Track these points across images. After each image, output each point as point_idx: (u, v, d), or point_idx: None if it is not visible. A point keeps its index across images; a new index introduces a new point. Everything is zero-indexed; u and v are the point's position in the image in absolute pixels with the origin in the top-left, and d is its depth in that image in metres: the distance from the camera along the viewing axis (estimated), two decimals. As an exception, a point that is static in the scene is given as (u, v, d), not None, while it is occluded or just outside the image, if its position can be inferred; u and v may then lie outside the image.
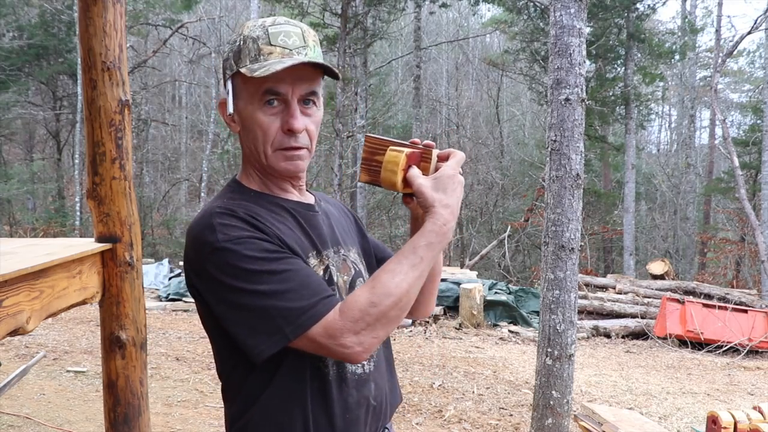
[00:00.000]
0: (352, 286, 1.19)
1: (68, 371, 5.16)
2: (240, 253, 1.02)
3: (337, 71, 1.12)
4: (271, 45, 1.10)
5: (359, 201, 15.23)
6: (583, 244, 14.62)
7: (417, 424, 4.50)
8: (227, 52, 1.15)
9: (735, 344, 8.31)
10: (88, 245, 2.31)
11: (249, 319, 1.02)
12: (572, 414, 3.82)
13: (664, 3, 15.17)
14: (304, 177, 1.25)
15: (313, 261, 1.13)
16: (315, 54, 1.13)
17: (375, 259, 1.34)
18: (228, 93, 1.13)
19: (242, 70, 1.09)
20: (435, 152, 1.11)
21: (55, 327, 6.82)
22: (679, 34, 17.13)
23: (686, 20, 17.40)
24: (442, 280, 8.62)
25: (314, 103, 1.14)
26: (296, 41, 1.11)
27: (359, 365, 1.15)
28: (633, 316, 9.36)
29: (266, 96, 1.10)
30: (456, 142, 21.12)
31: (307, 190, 1.27)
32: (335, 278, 1.15)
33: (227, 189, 1.19)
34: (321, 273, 1.13)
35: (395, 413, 4.12)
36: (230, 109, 1.13)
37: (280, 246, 1.06)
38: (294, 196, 1.21)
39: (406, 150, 1.10)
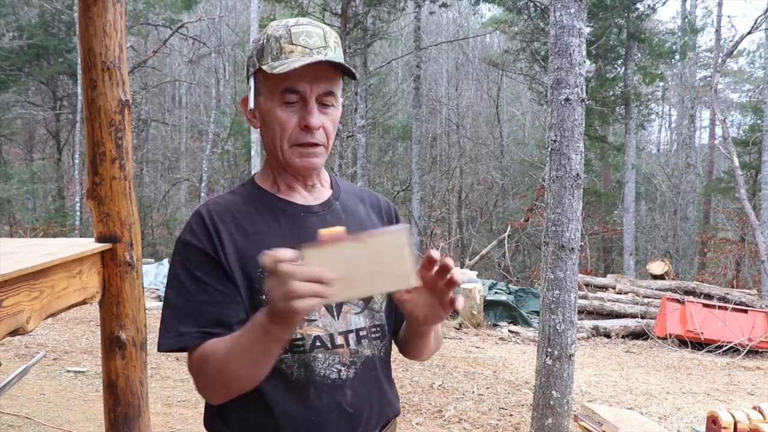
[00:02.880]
0: None
1: (68, 371, 5.16)
2: (180, 255, 1.14)
3: (354, 71, 1.15)
4: (293, 44, 1.13)
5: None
6: (583, 244, 14.63)
7: (417, 424, 4.50)
8: (251, 50, 1.18)
9: (735, 344, 8.31)
10: (88, 245, 2.31)
11: (162, 312, 1.14)
12: (572, 414, 3.82)
13: (664, 3, 15.18)
14: (321, 175, 1.26)
15: None
16: (335, 55, 1.15)
17: None
18: (250, 89, 1.17)
19: (263, 67, 1.13)
20: None
21: (55, 327, 6.82)
22: (679, 34, 17.13)
23: (686, 20, 17.40)
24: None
25: (332, 102, 1.16)
26: (317, 41, 1.14)
27: (333, 370, 1.14)
28: (633, 316, 9.36)
29: (285, 93, 1.13)
30: (456, 142, 21.14)
31: (332, 185, 1.28)
32: None
33: (239, 184, 1.26)
34: None
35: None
36: (251, 104, 1.17)
37: (215, 263, 1.10)
38: (299, 197, 1.21)
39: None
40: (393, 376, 1.32)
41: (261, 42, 1.15)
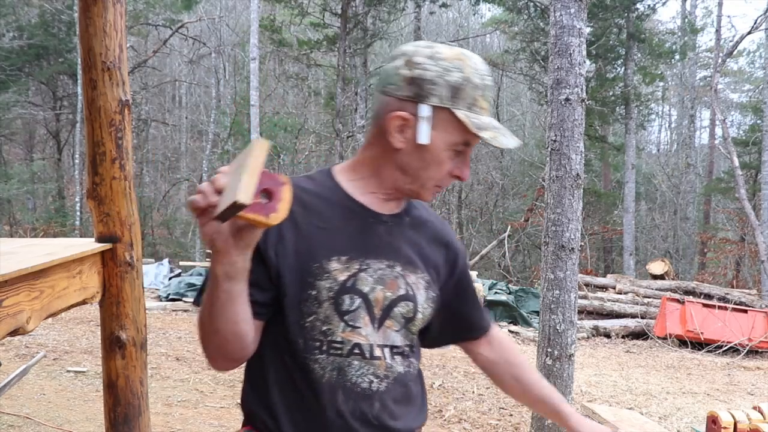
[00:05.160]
0: (391, 305, 1.16)
1: (68, 371, 5.16)
2: None
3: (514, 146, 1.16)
4: (485, 100, 1.13)
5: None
6: (583, 244, 14.62)
7: (417, 424, 4.50)
8: (435, 74, 1.09)
9: (735, 344, 8.31)
10: (88, 245, 2.31)
11: None
12: (572, 414, 3.81)
13: (664, 3, 15.20)
14: None
15: (335, 265, 1.12)
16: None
17: (449, 310, 1.29)
18: (426, 120, 1.10)
19: (459, 114, 1.09)
20: None
21: (55, 327, 6.82)
22: (679, 34, 17.13)
23: (686, 20, 17.40)
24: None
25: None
26: (492, 98, 1.19)
27: (365, 380, 1.14)
28: (633, 316, 9.35)
29: (463, 144, 1.13)
30: (456, 142, 21.08)
31: (411, 206, 1.27)
32: (362, 288, 1.14)
33: (315, 172, 1.24)
34: (343, 278, 1.12)
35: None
36: (425, 138, 1.10)
37: (264, 240, 1.09)
38: (374, 204, 1.20)
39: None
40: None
41: (454, 78, 1.09)
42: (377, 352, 1.15)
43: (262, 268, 1.10)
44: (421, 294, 1.20)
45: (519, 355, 1.40)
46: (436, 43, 1.15)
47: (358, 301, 1.13)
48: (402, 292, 1.17)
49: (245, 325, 1.07)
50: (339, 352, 1.13)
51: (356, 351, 1.13)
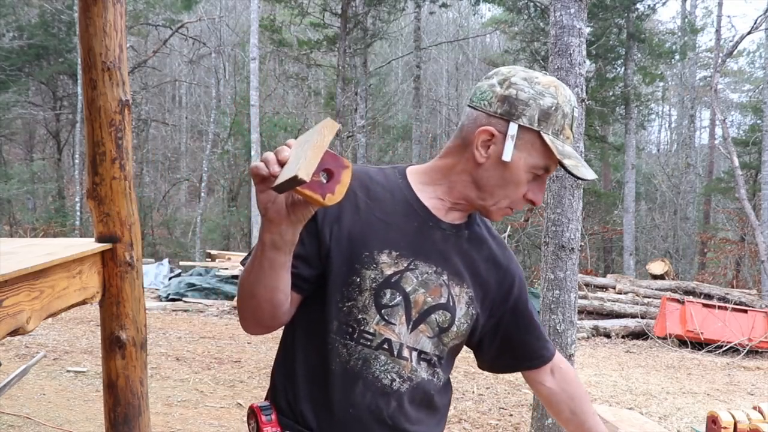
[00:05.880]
0: (429, 311, 1.16)
1: (68, 371, 5.16)
2: None
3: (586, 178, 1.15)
4: (570, 129, 1.15)
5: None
6: (583, 244, 14.62)
7: (417, 424, 4.50)
8: (529, 95, 1.11)
9: (735, 344, 8.31)
10: (88, 245, 2.31)
11: None
12: (572, 414, 3.81)
13: (664, 3, 15.20)
14: None
15: (384, 258, 1.13)
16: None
17: (499, 337, 1.29)
18: (511, 137, 1.11)
19: (546, 138, 1.11)
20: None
21: (55, 327, 6.82)
22: (679, 34, 17.13)
23: (686, 20, 17.40)
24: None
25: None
26: (576, 131, 1.19)
27: (388, 377, 1.15)
28: (633, 316, 9.35)
29: (542, 169, 1.14)
30: (456, 142, 21.08)
31: (470, 216, 1.26)
32: (405, 286, 1.14)
33: (388, 167, 1.26)
34: (389, 272, 1.13)
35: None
36: (508, 156, 1.11)
37: (315, 222, 1.11)
38: (438, 209, 1.20)
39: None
40: None
41: (547, 103, 1.11)
42: (405, 353, 1.15)
43: (315, 245, 1.12)
44: (462, 308, 1.19)
45: (580, 388, 1.39)
46: (533, 70, 1.17)
47: (398, 298, 1.14)
48: (443, 300, 1.17)
49: (281, 295, 1.08)
50: (369, 343, 1.13)
51: (385, 346, 1.14)
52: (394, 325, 1.14)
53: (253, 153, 13.43)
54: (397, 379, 1.15)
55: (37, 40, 16.12)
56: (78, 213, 16.02)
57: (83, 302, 2.24)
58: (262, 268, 1.04)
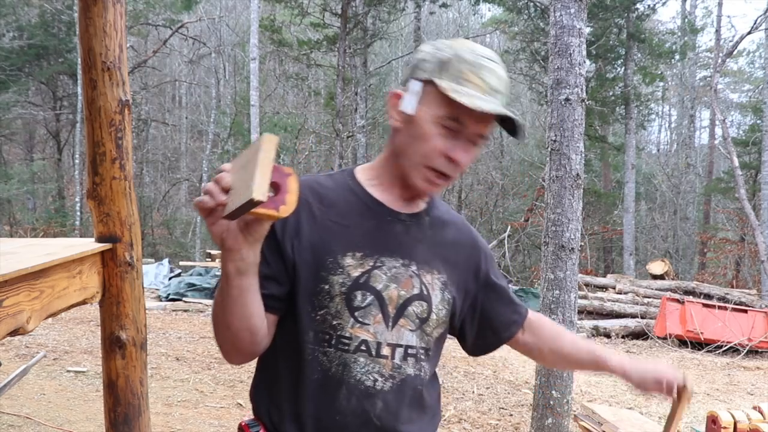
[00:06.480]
0: (405, 304, 1.16)
1: (68, 371, 5.16)
2: None
3: (520, 131, 1.12)
4: (477, 76, 1.10)
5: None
6: (583, 244, 14.62)
7: (417, 424, 4.50)
8: (429, 53, 1.14)
9: (735, 344, 8.31)
10: (88, 245, 2.31)
11: None
12: (572, 414, 3.82)
13: (664, 3, 15.19)
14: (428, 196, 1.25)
15: (349, 260, 1.13)
16: (504, 103, 1.14)
17: (477, 317, 1.30)
18: (414, 93, 1.13)
19: (441, 84, 1.10)
20: None
21: (55, 327, 6.82)
22: (679, 34, 17.13)
23: (686, 20, 17.41)
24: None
25: (481, 142, 1.16)
26: (496, 84, 1.12)
27: (370, 378, 1.14)
28: (633, 316, 9.35)
29: (449, 119, 1.11)
30: (456, 142, 21.10)
31: (430, 202, 1.26)
32: (375, 285, 1.14)
33: (337, 171, 1.26)
34: (357, 274, 1.13)
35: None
36: (409, 108, 1.13)
37: (275, 240, 1.12)
38: (393, 202, 1.20)
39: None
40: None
41: (446, 54, 1.12)
42: (384, 351, 1.14)
43: (280, 262, 1.12)
44: (437, 295, 1.19)
45: (553, 328, 1.41)
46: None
47: (370, 297, 1.13)
48: (416, 291, 1.17)
49: (257, 320, 1.08)
50: (346, 347, 1.13)
51: (363, 348, 1.13)
52: (369, 324, 1.13)
53: (253, 153, 13.41)
54: (380, 379, 1.14)
55: (37, 40, 16.12)
56: (78, 213, 16.02)
57: (83, 302, 2.24)
58: (232, 297, 1.03)
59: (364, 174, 1.22)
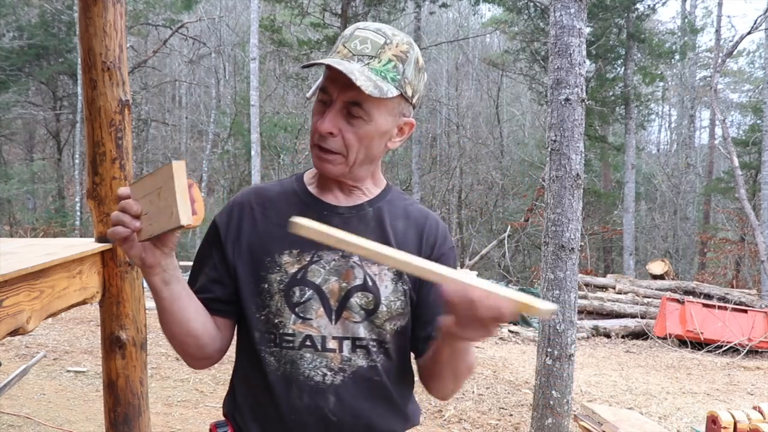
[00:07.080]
0: (347, 296, 1.13)
1: (68, 371, 5.16)
2: (210, 226, 1.23)
3: (367, 90, 1.03)
4: (344, 46, 1.08)
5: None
6: (583, 244, 14.62)
7: (417, 424, 4.50)
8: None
9: (735, 344, 8.31)
10: (88, 245, 2.31)
11: None
12: (572, 414, 3.82)
13: (664, 3, 15.20)
14: (366, 181, 1.20)
15: (286, 258, 1.14)
16: (381, 67, 1.07)
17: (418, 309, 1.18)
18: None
19: (315, 62, 1.12)
20: None
21: (55, 327, 6.82)
22: (679, 34, 17.14)
23: (686, 20, 17.41)
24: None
25: (360, 114, 1.08)
26: (366, 49, 1.07)
27: (318, 373, 1.12)
28: (633, 316, 9.36)
29: (320, 91, 1.12)
30: (456, 142, 21.14)
31: (381, 193, 1.21)
32: (313, 279, 1.13)
33: (287, 177, 1.29)
34: (294, 270, 1.13)
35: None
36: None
37: (219, 244, 1.18)
38: (331, 196, 1.18)
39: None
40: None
41: (338, 39, 1.15)
42: (330, 344, 1.13)
43: (223, 265, 1.16)
44: (387, 286, 1.14)
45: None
46: None
47: (309, 292, 1.13)
48: (358, 282, 1.13)
49: (196, 324, 1.11)
50: (290, 344, 1.13)
51: (308, 343, 1.12)
52: (311, 319, 1.13)
53: (253, 153, 13.43)
54: (329, 373, 1.13)
55: (37, 40, 16.11)
56: (78, 213, 16.02)
57: (83, 302, 2.24)
58: (165, 308, 1.08)
59: (308, 175, 1.24)
